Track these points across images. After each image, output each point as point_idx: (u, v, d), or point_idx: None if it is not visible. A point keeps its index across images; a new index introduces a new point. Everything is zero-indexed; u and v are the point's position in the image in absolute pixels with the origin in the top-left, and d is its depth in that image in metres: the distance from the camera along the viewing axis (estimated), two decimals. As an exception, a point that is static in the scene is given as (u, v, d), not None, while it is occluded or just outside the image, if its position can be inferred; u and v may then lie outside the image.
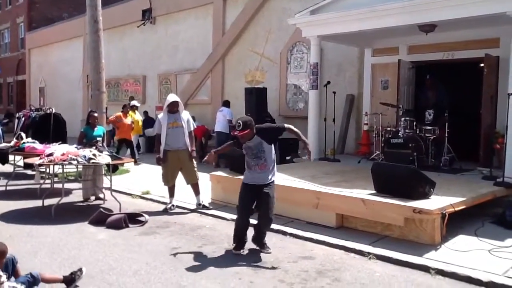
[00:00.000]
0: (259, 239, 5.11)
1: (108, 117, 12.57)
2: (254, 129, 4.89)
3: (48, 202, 7.00)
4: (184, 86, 15.66)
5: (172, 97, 7.02)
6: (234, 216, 6.39)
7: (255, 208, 5.08)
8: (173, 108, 6.90)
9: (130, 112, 12.25)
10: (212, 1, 14.61)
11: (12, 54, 29.90)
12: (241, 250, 5.06)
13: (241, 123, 4.79)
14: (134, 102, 13.14)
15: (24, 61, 27.27)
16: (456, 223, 5.41)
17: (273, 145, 5.06)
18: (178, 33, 15.95)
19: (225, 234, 5.76)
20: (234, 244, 5.09)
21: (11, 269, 3.77)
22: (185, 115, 7.04)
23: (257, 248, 5.11)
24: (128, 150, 11.94)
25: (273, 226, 5.74)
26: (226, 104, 12.21)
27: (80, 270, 4.10)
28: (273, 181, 5.06)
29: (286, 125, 5.10)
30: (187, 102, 14.77)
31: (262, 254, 4.97)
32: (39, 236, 5.64)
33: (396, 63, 9.72)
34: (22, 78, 27.91)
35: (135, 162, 11.48)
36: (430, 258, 4.68)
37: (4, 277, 3.54)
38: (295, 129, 5.09)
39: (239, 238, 5.08)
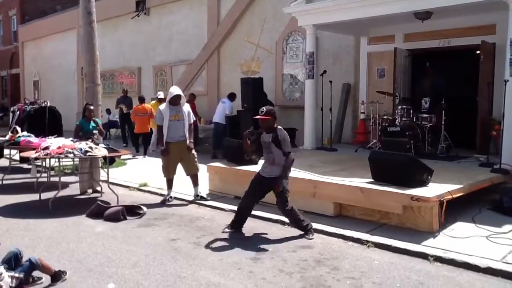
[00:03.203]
0: (295, 226, 5.33)
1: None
2: (274, 121, 5.16)
3: (45, 195, 6.97)
4: (180, 77, 15.56)
5: (175, 90, 6.98)
6: (232, 207, 6.45)
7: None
8: (175, 101, 6.88)
9: (153, 103, 11.92)
10: (206, -9, 14.50)
11: (5, 48, 29.60)
12: (231, 230, 5.39)
13: (264, 109, 5.15)
14: (160, 94, 12.36)
15: (17, 54, 27.00)
16: (454, 210, 5.43)
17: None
18: (173, 23, 15.83)
19: (224, 224, 5.75)
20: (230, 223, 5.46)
21: (14, 263, 3.77)
22: (186, 107, 7.02)
23: (253, 236, 5.26)
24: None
25: (271, 216, 5.79)
26: (231, 96, 11.81)
27: (65, 272, 4.06)
28: (275, 177, 5.18)
29: (289, 156, 5.09)
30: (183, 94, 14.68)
31: (262, 245, 4.97)
32: (37, 229, 5.62)
33: (392, 51, 9.69)
34: (16, 71, 27.66)
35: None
36: (429, 245, 4.70)
37: (1, 269, 3.54)
38: (287, 167, 5.13)
39: (236, 217, 5.44)
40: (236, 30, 13.80)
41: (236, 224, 5.43)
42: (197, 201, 6.93)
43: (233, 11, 13.71)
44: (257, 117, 5.16)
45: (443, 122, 8.28)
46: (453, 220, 5.37)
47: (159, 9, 16.38)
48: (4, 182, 8.54)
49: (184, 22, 15.43)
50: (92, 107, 7.85)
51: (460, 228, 5.20)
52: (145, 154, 11.75)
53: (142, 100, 12.28)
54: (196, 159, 7.03)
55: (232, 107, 11.72)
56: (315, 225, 5.43)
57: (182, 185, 7.40)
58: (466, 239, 4.84)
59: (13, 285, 3.59)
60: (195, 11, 15.07)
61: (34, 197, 7.14)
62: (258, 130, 5.35)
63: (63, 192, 7.27)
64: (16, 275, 3.63)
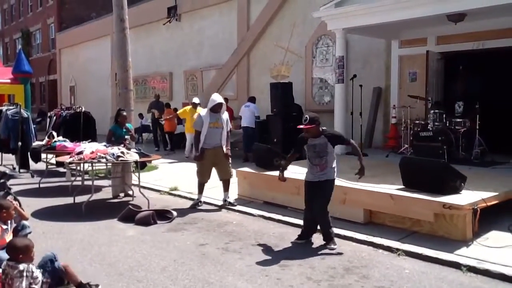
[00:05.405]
0: (322, 233, 5.17)
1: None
2: (319, 126, 5.03)
3: (79, 199, 7.16)
4: (210, 82, 15.73)
5: (217, 98, 7.00)
6: (261, 212, 6.50)
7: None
8: (217, 109, 6.94)
9: (188, 108, 12.04)
10: (236, -4, 14.62)
11: (44, 55, 30.69)
12: (303, 240, 5.25)
13: (307, 117, 4.97)
14: (195, 100, 12.21)
15: (55, 61, 27.95)
16: (488, 218, 5.25)
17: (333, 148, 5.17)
18: (203, 29, 16.03)
19: (252, 230, 5.78)
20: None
21: (51, 268, 3.83)
22: (225, 116, 7.07)
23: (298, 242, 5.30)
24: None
25: (300, 222, 5.73)
26: (252, 100, 12.21)
27: (97, 285, 3.96)
28: (329, 180, 5.08)
29: (351, 141, 5.31)
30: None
31: (290, 252, 4.95)
32: (70, 232, 5.78)
33: (424, 54, 9.51)
34: (54, 77, 28.63)
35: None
36: (462, 255, 4.58)
37: (38, 272, 3.62)
38: (358, 148, 5.30)
39: (304, 228, 5.33)
40: (265, 35, 13.84)
41: (303, 235, 5.30)
42: (227, 206, 6.97)
43: (263, 16, 13.77)
44: (301, 127, 4.98)
45: (477, 127, 8.05)
46: (488, 228, 5.19)
47: (190, 15, 16.62)
48: (41, 185, 8.82)
49: (214, 27, 15.60)
50: (125, 113, 8.00)
51: (495, 237, 5.03)
52: (171, 149, 13.87)
53: (167, 105, 14.67)
54: (230, 165, 7.08)
55: (258, 108, 11.97)
56: (344, 232, 5.38)
57: (213, 190, 7.46)
58: (501, 248, 4.68)
59: None
60: (225, 17, 15.21)
61: (69, 200, 7.35)
62: (301, 138, 5.19)
63: (96, 196, 7.46)
64: (44, 280, 3.70)
